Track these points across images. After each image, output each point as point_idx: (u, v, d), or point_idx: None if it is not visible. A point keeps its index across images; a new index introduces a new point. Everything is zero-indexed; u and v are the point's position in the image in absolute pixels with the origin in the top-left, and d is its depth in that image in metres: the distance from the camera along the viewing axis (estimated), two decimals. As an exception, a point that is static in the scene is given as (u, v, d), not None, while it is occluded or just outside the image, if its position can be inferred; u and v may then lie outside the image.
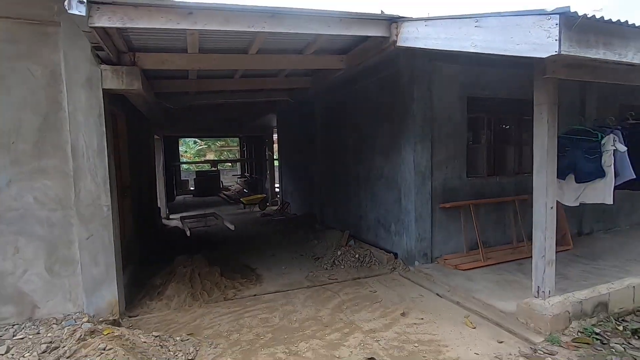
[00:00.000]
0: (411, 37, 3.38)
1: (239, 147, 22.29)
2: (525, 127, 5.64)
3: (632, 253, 5.16)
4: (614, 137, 3.47)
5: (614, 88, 5.34)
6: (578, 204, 3.95)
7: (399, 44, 3.55)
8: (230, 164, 25.52)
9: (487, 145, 5.67)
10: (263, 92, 6.98)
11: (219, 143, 30.42)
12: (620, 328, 3.31)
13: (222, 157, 28.80)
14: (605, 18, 2.21)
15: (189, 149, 31.06)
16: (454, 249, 5.37)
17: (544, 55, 2.17)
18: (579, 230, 6.42)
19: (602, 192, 3.57)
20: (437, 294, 4.23)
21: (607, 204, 3.84)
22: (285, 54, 4.46)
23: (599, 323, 3.37)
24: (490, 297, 3.92)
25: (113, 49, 3.54)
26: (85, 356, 2.50)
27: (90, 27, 2.74)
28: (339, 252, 5.86)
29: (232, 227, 7.73)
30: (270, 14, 3.15)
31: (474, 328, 3.39)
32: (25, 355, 2.78)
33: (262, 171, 14.88)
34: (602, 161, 3.49)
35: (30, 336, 3.10)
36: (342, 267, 5.45)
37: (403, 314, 3.72)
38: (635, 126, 3.91)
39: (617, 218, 6.73)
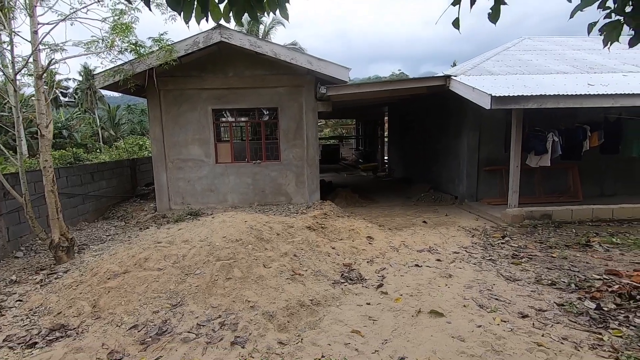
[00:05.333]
0: (453, 87, 7.44)
1: (354, 126, 27.25)
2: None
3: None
4: (552, 134, 6.85)
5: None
6: (538, 166, 7.39)
7: (449, 88, 7.62)
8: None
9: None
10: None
11: (333, 120, 36.26)
12: (552, 226, 6.94)
13: (337, 133, 34.67)
14: (515, 94, 6.01)
15: (312, 125, 37.68)
16: (492, 195, 9.11)
17: (487, 108, 6.13)
18: (602, 192, 9.25)
19: (546, 159, 7.02)
20: (469, 212, 8.30)
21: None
22: (403, 88, 8.81)
23: (543, 223, 7.04)
24: (495, 212, 7.80)
25: (321, 96, 8.52)
26: (322, 207, 7.63)
27: (326, 95, 7.67)
28: (422, 195, 10.20)
29: (364, 174, 12.76)
30: (387, 82, 7.61)
31: (477, 220, 7.48)
32: (300, 209, 8.10)
33: (374, 145, 19.50)
34: (546, 145, 6.92)
35: (294, 206, 8.48)
36: (423, 201, 9.78)
37: (446, 215, 7.98)
38: (567, 131, 7.14)
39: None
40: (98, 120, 32.55)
